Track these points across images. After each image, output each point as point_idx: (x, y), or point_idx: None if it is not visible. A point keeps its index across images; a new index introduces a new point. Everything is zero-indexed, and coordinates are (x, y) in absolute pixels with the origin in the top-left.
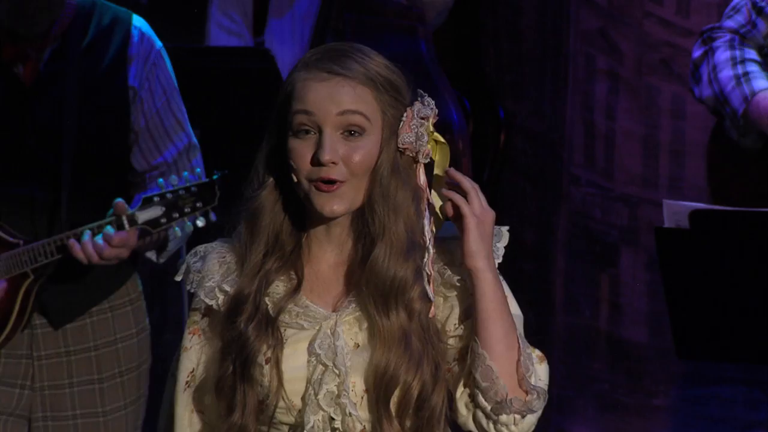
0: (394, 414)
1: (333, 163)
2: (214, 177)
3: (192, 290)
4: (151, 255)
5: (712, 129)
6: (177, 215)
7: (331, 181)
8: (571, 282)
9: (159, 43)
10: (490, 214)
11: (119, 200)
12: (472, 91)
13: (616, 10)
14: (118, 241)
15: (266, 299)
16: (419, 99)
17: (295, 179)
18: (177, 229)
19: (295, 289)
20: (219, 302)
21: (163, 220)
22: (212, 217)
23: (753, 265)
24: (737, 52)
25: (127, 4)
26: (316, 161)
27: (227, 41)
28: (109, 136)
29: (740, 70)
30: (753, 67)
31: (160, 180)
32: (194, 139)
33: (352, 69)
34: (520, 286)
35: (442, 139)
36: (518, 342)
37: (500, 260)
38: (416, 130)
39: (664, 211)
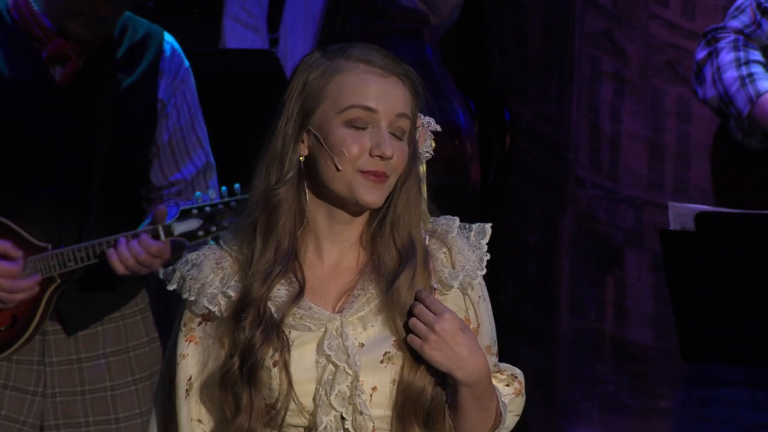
0: (414, 419)
1: (390, 159)
2: None
3: (191, 298)
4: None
5: (716, 130)
6: (214, 228)
7: (386, 174)
8: (577, 284)
9: (187, 62)
10: (440, 323)
11: (162, 207)
12: (478, 93)
13: (621, 12)
14: (156, 250)
15: (269, 303)
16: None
17: (339, 168)
18: (212, 242)
19: (299, 293)
20: (222, 308)
21: (200, 233)
22: None
23: (758, 268)
24: (741, 53)
25: (134, 5)
26: (376, 154)
27: (243, 34)
28: (137, 146)
29: (745, 71)
30: (757, 68)
31: (198, 193)
32: (212, 159)
33: (402, 71)
34: (525, 288)
35: None
36: (494, 416)
37: (488, 257)
38: (429, 141)
39: (670, 213)
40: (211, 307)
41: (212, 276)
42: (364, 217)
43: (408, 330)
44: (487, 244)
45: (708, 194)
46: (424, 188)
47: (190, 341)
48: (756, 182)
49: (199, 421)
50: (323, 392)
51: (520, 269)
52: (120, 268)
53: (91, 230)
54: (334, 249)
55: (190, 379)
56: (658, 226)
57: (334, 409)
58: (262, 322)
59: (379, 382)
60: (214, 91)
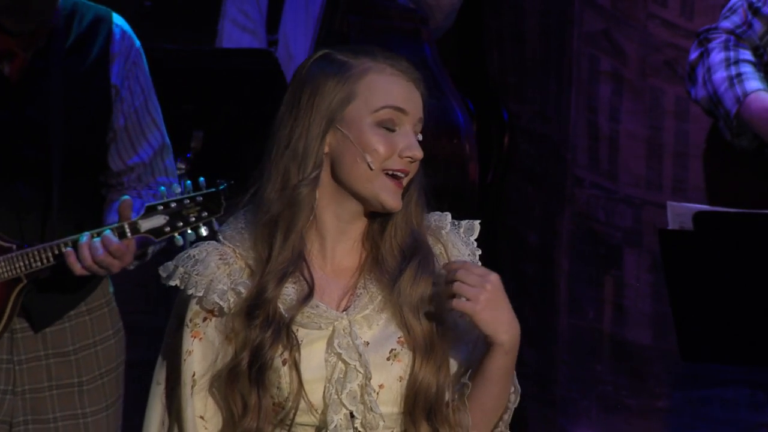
0: (421, 415)
1: (419, 160)
2: (221, 187)
3: (198, 294)
4: None
5: (708, 130)
6: (181, 224)
7: (408, 174)
8: (575, 284)
9: (138, 42)
10: (490, 282)
11: (126, 198)
12: (476, 93)
13: (619, 11)
14: (115, 250)
15: (278, 302)
16: None
17: (372, 167)
18: (179, 237)
19: (309, 293)
20: (231, 304)
21: (167, 229)
22: (215, 226)
23: (757, 267)
24: (731, 53)
25: (132, 6)
26: (407, 155)
27: (240, 37)
28: (94, 135)
29: (734, 71)
30: (746, 68)
31: (162, 188)
32: (167, 139)
33: (418, 76)
34: (524, 287)
35: None
36: (506, 401)
37: (479, 251)
38: None
39: (668, 212)
40: (221, 303)
41: (218, 272)
42: (368, 216)
43: (422, 313)
44: (482, 242)
45: (706, 193)
46: None
47: (195, 337)
48: (748, 181)
49: (202, 417)
50: (333, 391)
51: (519, 269)
52: (76, 268)
53: (53, 226)
54: (338, 248)
55: (194, 375)
56: (656, 226)
57: (345, 407)
58: (272, 322)
59: (385, 380)
60: (213, 91)
